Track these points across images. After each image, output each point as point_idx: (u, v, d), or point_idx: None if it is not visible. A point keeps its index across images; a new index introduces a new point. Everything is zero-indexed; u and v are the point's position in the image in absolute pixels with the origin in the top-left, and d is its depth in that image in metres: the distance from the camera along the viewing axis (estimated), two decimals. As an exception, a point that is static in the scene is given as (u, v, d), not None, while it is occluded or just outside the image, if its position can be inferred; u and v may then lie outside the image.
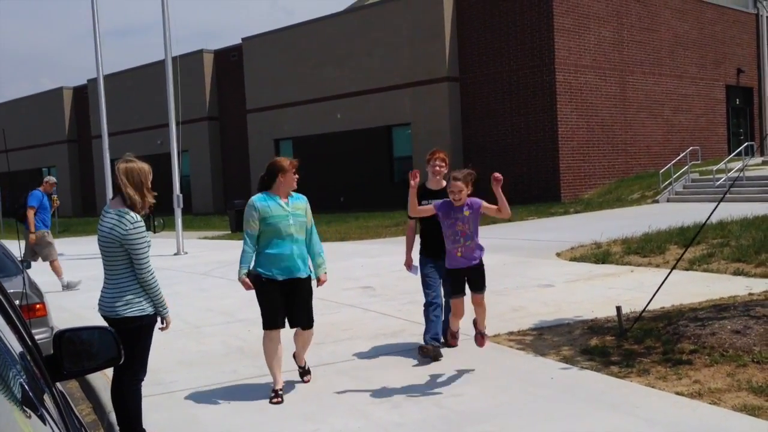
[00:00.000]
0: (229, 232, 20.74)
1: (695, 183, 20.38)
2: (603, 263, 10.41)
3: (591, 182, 22.17)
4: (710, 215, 7.44)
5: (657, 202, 19.30)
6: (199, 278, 11.47)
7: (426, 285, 5.89)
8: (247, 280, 5.05)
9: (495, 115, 22.95)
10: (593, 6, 22.43)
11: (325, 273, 5.34)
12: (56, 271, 10.90)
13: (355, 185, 25.28)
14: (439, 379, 5.39)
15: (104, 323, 4.19)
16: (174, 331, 7.53)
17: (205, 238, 19.81)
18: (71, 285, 11.00)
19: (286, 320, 5.21)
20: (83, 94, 39.05)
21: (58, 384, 2.15)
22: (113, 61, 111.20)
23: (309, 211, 5.29)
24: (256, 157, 30.20)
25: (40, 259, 10.81)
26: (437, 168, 6.02)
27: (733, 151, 25.69)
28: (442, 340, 5.93)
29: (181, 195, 16.05)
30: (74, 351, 2.15)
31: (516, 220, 17.47)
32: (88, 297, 9.38)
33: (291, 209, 5.13)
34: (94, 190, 38.54)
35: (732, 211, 13.34)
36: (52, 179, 11.40)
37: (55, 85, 46.76)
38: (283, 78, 28.51)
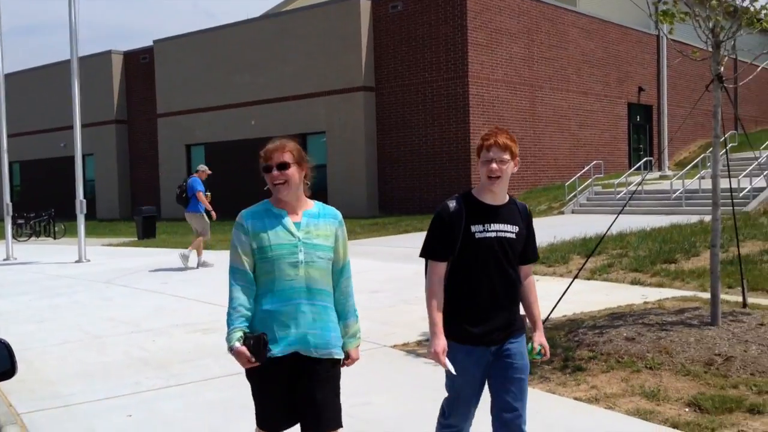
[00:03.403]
0: (136, 239, 20.14)
1: (598, 195, 21.22)
2: (510, 273, 10.67)
3: (501, 193, 22.74)
4: (609, 227, 7.77)
5: (563, 213, 19.99)
6: (101, 287, 11.08)
7: (456, 399, 3.29)
8: (244, 348, 2.93)
9: (409, 126, 23.25)
10: (505, 22, 23.08)
11: (358, 347, 3.30)
12: (198, 249, 12.64)
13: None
14: (347, 389, 5.39)
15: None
16: (73, 342, 7.25)
17: (110, 245, 19.16)
18: (206, 264, 12.69)
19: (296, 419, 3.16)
20: (-19, 93, 37.12)
21: None
22: (17, 59, 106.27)
23: (342, 239, 3.21)
24: (166, 163, 29.49)
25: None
26: (494, 167, 3.18)
27: (634, 166, 26.93)
28: None
29: (84, 200, 15.48)
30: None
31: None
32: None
33: (303, 234, 3.08)
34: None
35: (631, 223, 13.97)
36: (206, 168, 13.18)
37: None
38: (196, 82, 27.98)
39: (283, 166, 3.08)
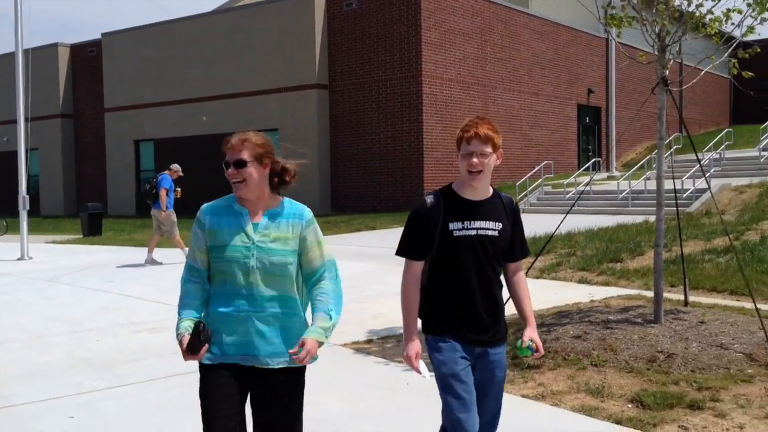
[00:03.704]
0: (81, 236, 19.67)
1: (548, 195, 21.54)
2: (461, 271, 10.75)
3: (453, 192, 22.90)
4: (558, 227, 7.88)
5: (514, 212, 20.19)
6: (44, 285, 10.79)
7: (451, 397, 2.95)
8: (187, 338, 2.78)
9: (363, 124, 23.23)
10: (459, 22, 23.23)
11: (318, 342, 2.81)
12: (179, 244, 12.95)
13: (221, 189, 24.67)
14: (297, 388, 5.35)
15: None
16: (14, 342, 7.04)
17: (54, 242, 18.67)
18: (155, 262, 12.73)
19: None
20: None
21: None
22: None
23: (312, 240, 2.93)
24: (113, 158, 28.88)
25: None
26: (474, 161, 2.96)
27: (583, 166, 27.41)
28: None
29: (27, 196, 15.05)
30: None
31: (380, 228, 17.75)
32: None
33: (259, 236, 2.85)
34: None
35: (580, 222, 14.21)
36: (179, 168, 13.30)
37: None
38: (145, 76, 27.46)
39: (240, 164, 2.83)
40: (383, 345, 6.55)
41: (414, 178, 22.28)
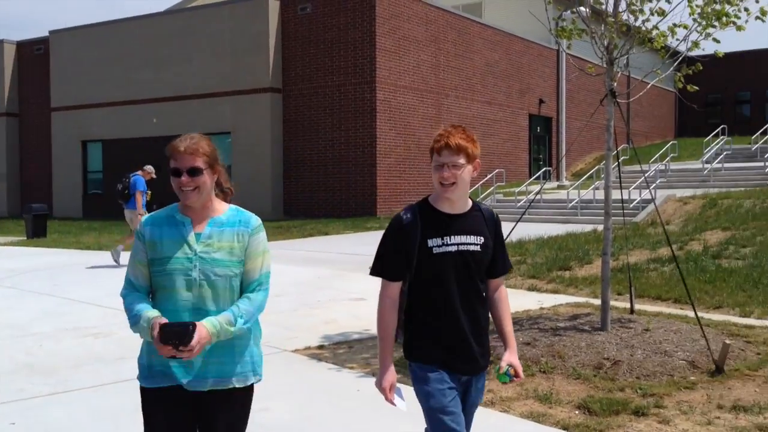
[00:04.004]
0: (25, 238, 19.13)
1: (500, 203, 21.79)
2: (413, 277, 10.79)
3: (406, 198, 22.99)
4: (509, 235, 7.96)
5: (465, 220, 20.39)
6: (-14, 288, 10.45)
7: (439, 416, 2.77)
8: (157, 324, 2.54)
9: (316, 129, 23.17)
10: (413, 30, 23.38)
11: (210, 333, 2.58)
12: (125, 244, 12.70)
13: (171, 192, 24.28)
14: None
15: None
16: (-48, 347, 6.80)
17: (-2, 244, 18.12)
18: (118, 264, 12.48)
19: None
20: None
21: None
22: None
23: (256, 249, 2.76)
24: (59, 159, 28.18)
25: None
26: (445, 174, 2.81)
27: (534, 175, 27.83)
28: None
29: (-31, 196, 14.58)
30: None
31: (332, 234, 17.71)
32: None
33: (202, 247, 2.69)
34: None
35: (530, 230, 14.42)
36: (152, 171, 13.06)
37: None
38: (94, 76, 26.88)
39: (195, 172, 2.67)
40: (335, 351, 6.53)
41: (367, 184, 22.30)
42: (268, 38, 23.27)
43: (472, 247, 2.83)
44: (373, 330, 7.30)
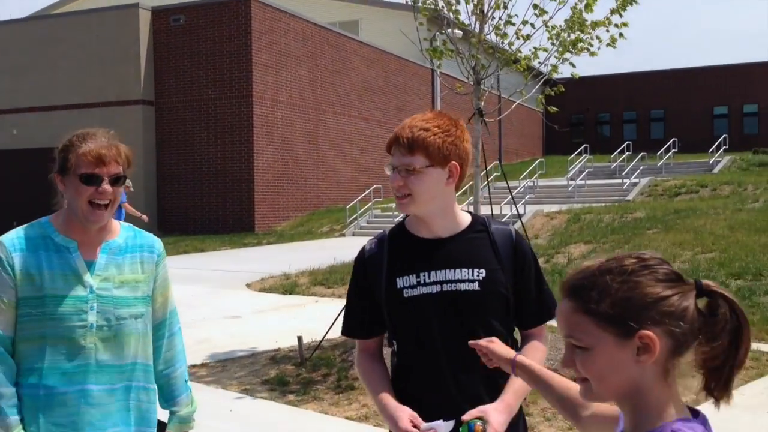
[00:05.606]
0: None
1: (377, 218, 22.06)
2: (290, 294, 10.72)
3: (284, 214, 22.82)
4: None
5: (344, 235, 20.50)
6: None
7: None
8: None
9: (191, 143, 22.60)
10: (290, 45, 23.34)
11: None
12: None
13: (33, 208, 22.91)
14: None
15: None
16: None
17: None
18: None
19: None
20: None
21: None
22: None
23: (163, 280, 2.21)
24: None
25: None
26: (396, 183, 2.01)
27: (411, 191, 28.39)
28: None
29: None
30: None
31: (209, 251, 17.30)
32: None
33: (99, 281, 2.05)
34: None
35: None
36: (130, 184, 12.27)
37: None
38: (-54, 84, 25.01)
39: (119, 180, 2.08)
40: (208, 371, 6.36)
41: (244, 200, 21.97)
42: (139, 48, 22.52)
43: (463, 286, 1.96)
44: (248, 346, 7.18)
